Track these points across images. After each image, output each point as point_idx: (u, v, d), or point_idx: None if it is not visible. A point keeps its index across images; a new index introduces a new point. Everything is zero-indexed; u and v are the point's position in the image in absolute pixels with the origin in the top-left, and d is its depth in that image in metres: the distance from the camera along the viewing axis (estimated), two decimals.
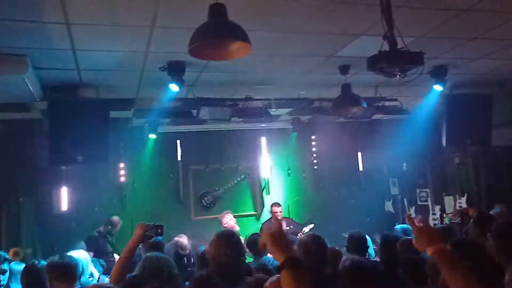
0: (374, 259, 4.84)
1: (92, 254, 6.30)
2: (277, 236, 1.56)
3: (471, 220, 3.76)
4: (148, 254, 3.25)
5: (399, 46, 3.38)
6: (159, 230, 2.94)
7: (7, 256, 4.43)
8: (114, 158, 7.78)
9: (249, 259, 4.80)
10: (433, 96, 6.17)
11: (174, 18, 3.72)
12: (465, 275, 1.63)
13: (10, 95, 4.84)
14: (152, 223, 2.97)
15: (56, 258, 3.37)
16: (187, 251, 6.10)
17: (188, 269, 5.69)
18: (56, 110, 5.09)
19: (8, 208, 6.37)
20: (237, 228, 6.81)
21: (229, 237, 3.06)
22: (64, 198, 7.50)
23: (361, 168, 9.44)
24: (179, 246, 6.13)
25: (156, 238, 3.29)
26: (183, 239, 6.20)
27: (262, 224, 7.64)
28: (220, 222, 6.96)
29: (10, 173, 7.16)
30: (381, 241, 4.25)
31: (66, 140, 5.07)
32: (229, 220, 7.02)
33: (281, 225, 1.61)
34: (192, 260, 5.96)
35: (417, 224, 1.85)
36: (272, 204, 7.68)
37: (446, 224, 4.57)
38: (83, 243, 6.24)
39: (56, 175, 7.37)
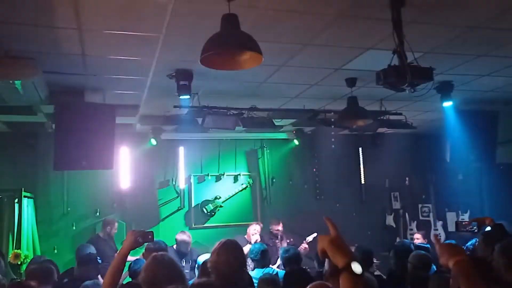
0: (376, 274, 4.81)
1: None
2: (337, 241, 1.59)
3: (481, 235, 3.73)
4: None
5: (408, 61, 3.41)
6: (150, 237, 2.95)
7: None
8: (117, 163, 7.83)
9: None
10: (438, 111, 6.19)
11: (185, 26, 3.73)
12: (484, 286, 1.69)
13: (18, 98, 4.84)
14: (142, 229, 2.98)
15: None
16: (188, 249, 6.00)
17: (186, 271, 5.61)
18: (62, 114, 5.11)
19: (11, 209, 6.38)
20: (254, 239, 6.78)
21: (231, 246, 3.04)
22: (65, 200, 7.55)
23: (363, 181, 9.41)
24: (180, 242, 6.08)
25: None
26: (185, 235, 6.12)
27: (262, 236, 7.57)
28: None
29: (15, 174, 7.18)
30: (394, 252, 4.25)
31: (71, 144, 5.08)
32: (250, 230, 7.07)
33: (337, 230, 1.65)
34: (191, 263, 5.89)
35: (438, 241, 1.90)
36: (273, 221, 7.56)
37: (463, 230, 4.46)
38: (92, 247, 6.17)
39: (59, 177, 7.42)
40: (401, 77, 3.27)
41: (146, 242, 3.11)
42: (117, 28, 3.71)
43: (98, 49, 4.20)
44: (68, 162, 5.29)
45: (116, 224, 7.16)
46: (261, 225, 7.38)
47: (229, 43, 2.97)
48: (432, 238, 1.88)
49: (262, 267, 4.37)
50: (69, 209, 7.67)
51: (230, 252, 2.99)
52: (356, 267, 1.49)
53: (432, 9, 3.60)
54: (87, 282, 3.97)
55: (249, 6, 3.34)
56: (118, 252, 2.96)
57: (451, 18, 3.85)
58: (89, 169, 5.64)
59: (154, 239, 3.09)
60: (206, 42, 3.01)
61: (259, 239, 6.90)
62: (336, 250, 1.56)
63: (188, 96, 4.97)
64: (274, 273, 4.16)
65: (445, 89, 5.64)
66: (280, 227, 7.43)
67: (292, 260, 4.54)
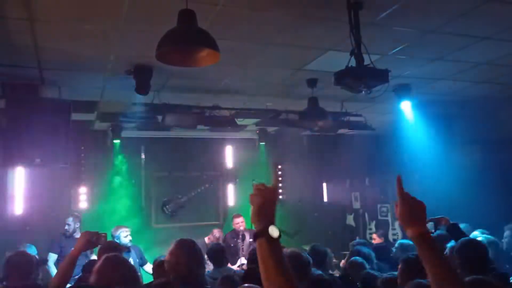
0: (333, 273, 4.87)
1: (56, 256, 6.17)
2: (268, 198, 1.45)
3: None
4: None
5: (365, 63, 3.46)
6: (103, 238, 2.90)
7: None
8: (74, 161, 7.58)
9: None
10: (397, 113, 6.32)
11: (142, 20, 3.65)
12: (445, 262, 1.54)
13: None
14: (96, 231, 2.91)
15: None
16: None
17: None
18: (14, 109, 4.90)
19: None
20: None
21: (189, 246, 2.97)
22: (18, 200, 7.23)
23: (324, 182, 9.52)
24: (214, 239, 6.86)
25: None
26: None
27: (226, 234, 7.55)
28: None
29: None
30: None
31: (24, 141, 4.88)
32: (210, 238, 7.18)
33: (277, 186, 1.51)
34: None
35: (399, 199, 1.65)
36: (234, 215, 7.60)
37: None
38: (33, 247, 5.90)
39: (12, 177, 7.10)
40: (357, 79, 3.31)
41: (99, 244, 3.05)
42: (70, 19, 3.59)
43: (52, 41, 4.04)
44: (20, 159, 5.08)
45: (69, 219, 6.81)
46: (222, 233, 7.38)
47: (184, 39, 2.92)
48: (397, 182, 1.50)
49: (220, 267, 4.33)
50: None
51: (187, 252, 2.92)
52: (273, 231, 1.37)
53: (389, 13, 3.66)
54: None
55: (209, 3, 3.30)
56: (69, 253, 2.86)
57: (407, 22, 3.93)
58: (43, 166, 5.44)
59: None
60: (162, 37, 2.94)
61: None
62: (261, 208, 1.42)
63: (146, 93, 4.86)
64: (233, 272, 4.13)
65: (403, 92, 5.77)
66: (241, 220, 7.38)
67: (253, 259, 4.54)
